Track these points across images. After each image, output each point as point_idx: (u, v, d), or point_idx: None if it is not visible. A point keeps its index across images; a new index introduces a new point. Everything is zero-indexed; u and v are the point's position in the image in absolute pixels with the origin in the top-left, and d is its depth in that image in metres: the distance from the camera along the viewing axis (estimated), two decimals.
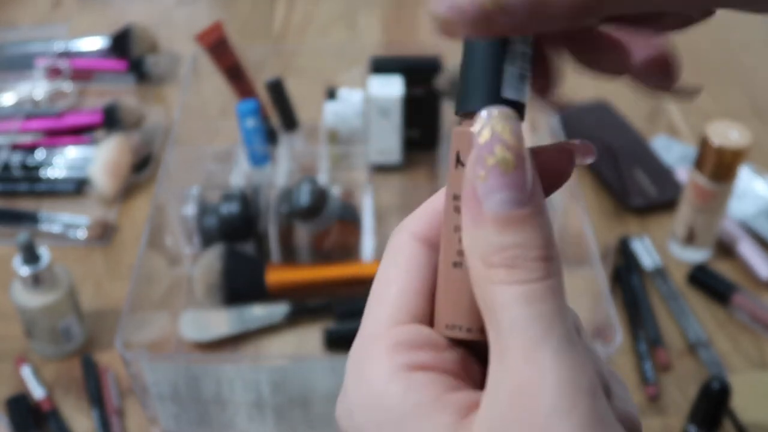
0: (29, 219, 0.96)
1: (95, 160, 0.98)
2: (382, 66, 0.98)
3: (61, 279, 0.78)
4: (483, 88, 0.26)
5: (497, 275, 0.24)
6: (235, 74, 0.95)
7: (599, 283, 0.72)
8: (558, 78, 0.29)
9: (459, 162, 0.26)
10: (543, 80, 0.29)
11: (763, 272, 0.89)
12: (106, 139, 1.01)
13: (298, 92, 0.98)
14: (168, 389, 0.70)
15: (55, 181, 1.00)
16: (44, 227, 0.95)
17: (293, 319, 0.84)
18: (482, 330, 0.25)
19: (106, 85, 1.15)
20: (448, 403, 0.25)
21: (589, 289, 0.74)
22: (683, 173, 1.00)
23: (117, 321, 0.72)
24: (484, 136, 0.25)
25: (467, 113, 0.26)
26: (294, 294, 0.85)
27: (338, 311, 0.84)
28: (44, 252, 0.76)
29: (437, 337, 0.27)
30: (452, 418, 0.24)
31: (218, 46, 0.94)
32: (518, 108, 0.26)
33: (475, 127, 0.25)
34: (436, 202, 0.28)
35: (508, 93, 0.26)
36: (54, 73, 1.15)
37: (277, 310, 0.84)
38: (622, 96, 1.11)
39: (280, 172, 0.91)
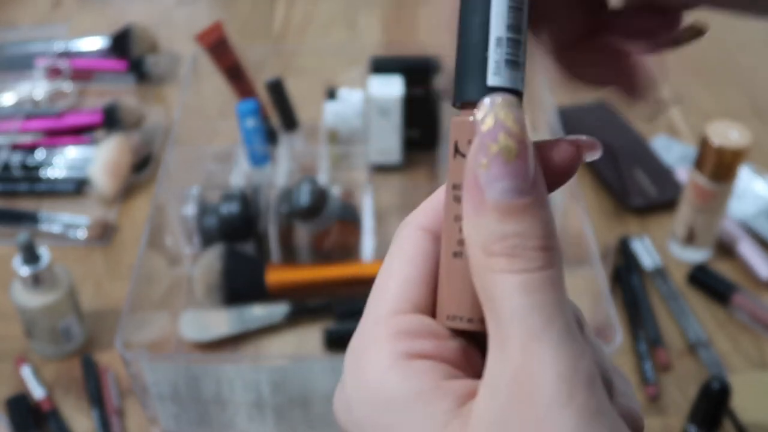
0: (29, 219, 0.96)
1: (95, 160, 0.98)
2: (382, 66, 0.98)
3: (61, 279, 0.78)
4: (482, 76, 0.26)
5: (498, 264, 0.24)
6: (235, 74, 0.95)
7: (599, 283, 0.72)
8: (647, 77, 0.29)
9: (458, 152, 0.26)
10: (627, 79, 0.29)
11: (763, 272, 0.89)
12: (106, 139, 1.01)
13: (298, 92, 0.98)
14: (168, 389, 0.70)
15: (55, 181, 1.00)
16: (44, 227, 0.95)
17: (293, 319, 0.84)
18: (483, 320, 0.25)
19: (106, 85, 1.15)
20: (447, 391, 0.25)
21: (589, 289, 0.74)
22: (683, 173, 1.00)
23: (117, 321, 0.72)
24: (488, 124, 0.24)
25: (466, 103, 0.26)
26: (294, 294, 0.85)
27: (338, 311, 0.84)
28: (44, 252, 0.76)
29: (438, 327, 0.27)
30: (450, 405, 0.24)
31: (218, 46, 0.94)
32: (517, 96, 0.26)
33: (478, 114, 0.25)
34: (441, 195, 0.28)
35: (506, 82, 0.26)
36: (54, 73, 1.15)
37: (277, 310, 0.84)
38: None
39: (280, 172, 0.91)
